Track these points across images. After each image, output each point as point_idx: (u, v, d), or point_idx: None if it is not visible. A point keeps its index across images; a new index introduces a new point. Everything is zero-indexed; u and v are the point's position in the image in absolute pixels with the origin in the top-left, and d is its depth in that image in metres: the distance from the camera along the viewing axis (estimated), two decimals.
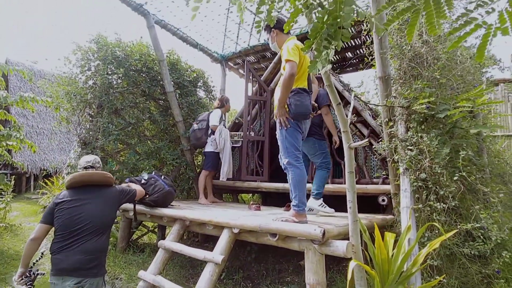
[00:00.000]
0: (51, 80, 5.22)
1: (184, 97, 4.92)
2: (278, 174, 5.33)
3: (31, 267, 2.13)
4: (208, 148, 4.34)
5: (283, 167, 2.85)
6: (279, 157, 2.91)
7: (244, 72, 6.52)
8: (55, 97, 4.28)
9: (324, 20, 1.47)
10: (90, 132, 4.25)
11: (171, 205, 3.51)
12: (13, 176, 7.43)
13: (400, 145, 2.71)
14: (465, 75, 3.11)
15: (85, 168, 2.32)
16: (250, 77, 4.99)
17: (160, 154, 4.53)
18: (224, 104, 4.55)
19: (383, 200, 3.26)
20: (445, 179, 2.39)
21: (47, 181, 7.90)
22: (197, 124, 4.35)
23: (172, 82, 4.74)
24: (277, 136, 2.58)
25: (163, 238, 4.19)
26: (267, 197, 6.04)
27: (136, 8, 4.29)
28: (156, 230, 4.51)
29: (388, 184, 3.21)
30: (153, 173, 3.56)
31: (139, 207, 3.24)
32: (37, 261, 2.23)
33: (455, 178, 2.36)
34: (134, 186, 2.72)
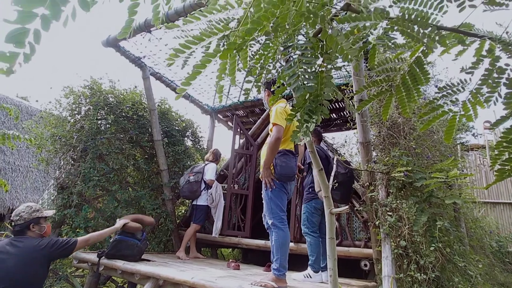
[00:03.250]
0: (37, 119, 5.21)
1: (171, 146, 4.96)
2: (260, 229, 5.22)
3: None
4: (202, 201, 4.26)
5: (266, 226, 2.81)
6: (262, 215, 2.89)
7: (232, 124, 6.73)
8: (39, 138, 4.22)
9: (306, 97, 1.61)
10: (70, 176, 4.12)
11: (144, 259, 3.31)
12: None
13: (380, 209, 2.77)
14: (439, 145, 3.33)
15: (13, 221, 2.14)
16: (238, 130, 5.14)
17: (140, 202, 4.39)
18: (218, 158, 4.60)
19: (365, 265, 3.20)
20: (424, 248, 2.42)
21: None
22: (193, 176, 4.30)
23: (161, 131, 4.80)
24: (262, 196, 2.59)
25: None
26: (248, 253, 5.80)
27: (134, 61, 4.51)
28: (125, 286, 4.18)
29: (370, 248, 3.19)
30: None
31: (110, 261, 3.05)
32: None
33: (432, 248, 2.39)
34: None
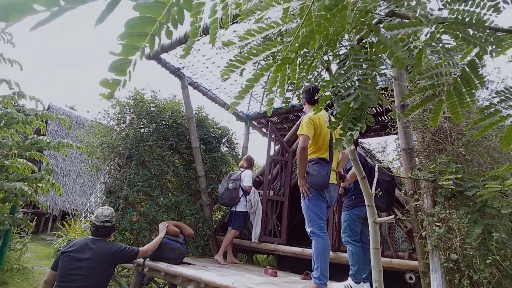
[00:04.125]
0: (88, 128, 5.66)
1: (208, 152, 5.11)
2: (296, 236, 5.17)
3: None
4: (241, 208, 4.36)
5: (308, 234, 2.79)
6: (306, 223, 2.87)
7: (266, 131, 6.77)
8: (90, 145, 4.57)
9: (350, 105, 1.60)
10: (116, 181, 4.41)
11: (185, 262, 3.44)
12: (35, 216, 7.60)
13: (427, 220, 2.63)
14: (491, 151, 3.09)
15: (103, 222, 2.43)
16: (273, 137, 5.17)
17: (179, 207, 4.57)
18: (252, 164, 4.69)
19: (411, 278, 3.04)
20: (478, 262, 2.25)
21: (64, 223, 8.00)
22: (232, 183, 4.40)
23: (199, 138, 4.98)
24: (301, 205, 2.59)
25: None
26: (283, 260, 5.76)
27: (174, 72, 4.74)
28: (166, 287, 4.34)
29: (415, 260, 3.03)
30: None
31: (154, 263, 3.20)
32: None
33: (488, 261, 2.22)
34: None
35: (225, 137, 5.71)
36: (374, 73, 1.30)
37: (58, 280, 2.21)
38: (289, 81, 1.16)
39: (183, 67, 4.76)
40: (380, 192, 2.44)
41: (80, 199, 11.09)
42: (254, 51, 0.90)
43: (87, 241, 2.35)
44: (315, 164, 2.50)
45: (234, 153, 5.82)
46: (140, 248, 2.63)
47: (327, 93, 1.73)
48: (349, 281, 2.80)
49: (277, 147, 5.33)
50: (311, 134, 2.44)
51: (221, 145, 5.61)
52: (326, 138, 2.57)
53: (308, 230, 2.45)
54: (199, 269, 3.15)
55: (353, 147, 1.70)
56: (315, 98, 2.85)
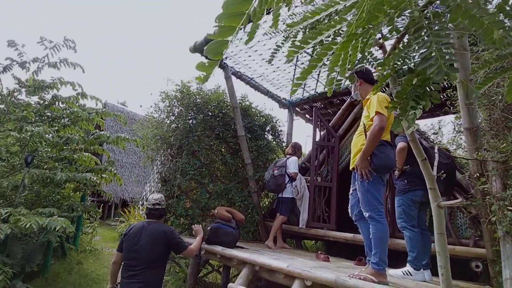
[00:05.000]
0: (140, 121, 6.07)
1: (253, 140, 5.19)
2: (344, 221, 5.08)
3: (117, 285, 2.60)
4: (287, 194, 4.41)
5: (354, 219, 2.73)
6: (349, 207, 2.81)
7: (310, 117, 6.67)
8: (145, 138, 4.91)
9: (413, 82, 1.50)
10: (170, 171, 4.69)
11: (238, 246, 3.58)
12: (101, 204, 8.42)
13: (497, 204, 2.41)
14: None
15: (153, 205, 2.65)
16: (318, 123, 5.08)
17: (229, 194, 4.74)
18: (297, 151, 4.68)
19: (477, 266, 2.84)
20: None
21: (125, 209, 8.76)
22: (277, 170, 4.47)
23: (243, 127, 5.07)
24: (356, 188, 2.52)
25: (227, 279, 4.22)
26: (332, 246, 5.72)
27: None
28: (220, 269, 4.57)
29: (482, 247, 2.82)
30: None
31: (210, 247, 3.38)
32: (117, 285, 2.64)
33: None
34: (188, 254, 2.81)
35: (269, 125, 5.75)
36: (438, 46, 1.20)
37: (124, 259, 2.51)
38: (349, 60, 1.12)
39: (225, 58, 4.84)
40: (444, 175, 2.29)
41: (137, 188, 12.02)
42: (320, 31, 0.88)
43: (143, 224, 2.60)
44: (381, 146, 2.41)
45: (278, 140, 5.85)
46: (189, 247, 2.75)
47: (388, 71, 1.65)
48: (408, 267, 2.70)
49: (322, 133, 5.24)
50: (387, 114, 2.34)
51: (266, 133, 5.66)
52: (391, 121, 2.46)
53: (367, 214, 2.39)
54: (253, 252, 3.26)
55: (416, 126, 1.61)
56: (372, 77, 2.73)
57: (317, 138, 5.03)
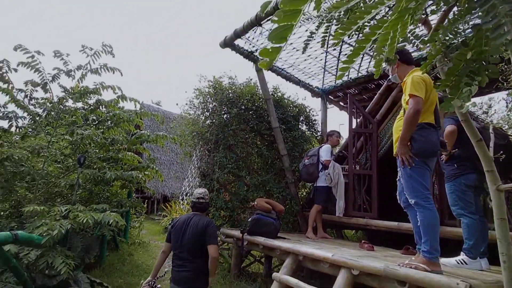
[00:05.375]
0: (175, 119, 6.28)
1: (288, 131, 5.16)
2: (385, 210, 4.91)
3: (158, 277, 2.72)
4: (321, 182, 4.37)
5: (402, 206, 2.62)
6: (397, 194, 2.70)
7: (344, 104, 6.47)
8: (182, 135, 5.09)
9: (467, 57, 1.39)
10: (208, 165, 4.83)
11: (279, 236, 3.61)
12: (145, 200, 8.90)
13: None
14: None
15: (198, 199, 2.77)
16: (354, 110, 4.91)
17: (266, 186, 4.77)
18: (330, 139, 4.59)
19: None
20: None
21: (167, 204, 9.20)
22: (308, 159, 4.46)
23: (277, 118, 5.05)
24: (399, 175, 2.42)
25: (269, 269, 4.29)
26: (374, 235, 5.56)
27: (248, 56, 4.85)
28: (262, 260, 4.66)
29: None
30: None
31: (252, 237, 3.45)
32: (161, 276, 2.81)
33: None
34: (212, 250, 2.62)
35: (303, 115, 5.68)
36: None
37: (172, 249, 2.68)
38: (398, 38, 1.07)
39: (256, 50, 4.83)
40: (504, 155, 2.11)
41: (175, 184, 12.54)
42: (369, 9, 0.85)
43: (188, 216, 2.74)
44: (421, 130, 2.28)
45: (313, 130, 5.76)
46: (216, 253, 2.62)
47: (438, 46, 1.55)
48: (462, 256, 2.55)
49: (358, 120, 5.07)
50: (423, 96, 2.21)
51: (300, 123, 5.60)
52: (434, 101, 2.31)
53: (412, 201, 2.29)
54: (295, 242, 3.27)
55: (470, 106, 1.50)
56: (410, 58, 2.57)
57: (353, 125, 4.88)
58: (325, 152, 4.42)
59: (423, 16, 1.70)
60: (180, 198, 10.18)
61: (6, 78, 4.39)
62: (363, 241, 3.59)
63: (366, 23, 1.15)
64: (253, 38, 4.60)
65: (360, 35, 1.83)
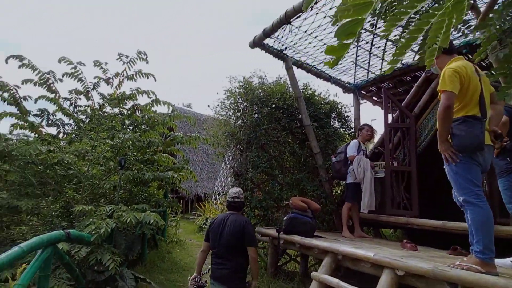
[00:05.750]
0: (206, 121, 6.40)
1: (320, 129, 5.08)
2: (426, 207, 4.66)
3: (203, 273, 2.82)
4: (348, 179, 4.27)
5: (458, 204, 2.47)
6: (453, 191, 2.54)
7: (377, 99, 6.24)
8: (215, 136, 5.19)
9: None
10: (241, 165, 4.88)
11: (316, 235, 3.56)
12: (181, 199, 9.19)
13: None
14: None
15: (233, 198, 2.82)
16: (389, 104, 4.72)
17: (300, 185, 4.73)
18: (358, 133, 4.46)
19: None
20: None
21: (200, 204, 9.43)
22: (335, 157, 4.42)
23: (309, 115, 4.99)
24: (446, 172, 2.29)
25: (306, 268, 4.25)
26: (414, 235, 5.31)
27: (277, 55, 4.84)
28: (297, 258, 4.62)
29: None
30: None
31: (289, 236, 3.43)
32: (205, 272, 2.89)
33: None
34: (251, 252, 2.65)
35: (335, 112, 5.56)
36: None
37: (211, 248, 2.75)
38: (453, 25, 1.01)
39: (285, 48, 4.80)
40: None
41: (208, 184, 12.82)
42: None
43: (225, 215, 2.79)
44: (461, 124, 2.14)
45: (345, 126, 5.62)
46: (254, 259, 2.64)
47: (493, 32, 1.45)
48: None
49: (394, 114, 4.86)
50: (457, 90, 2.06)
51: (332, 120, 5.49)
52: (476, 91, 2.14)
53: (460, 199, 2.15)
54: (333, 241, 3.21)
55: None
56: (451, 47, 2.42)
57: (389, 120, 4.69)
58: (350, 148, 4.31)
59: (471, 1, 1.60)
60: (213, 197, 10.41)
61: (53, 88, 4.75)
62: (405, 240, 3.44)
63: (412, 16, 1.10)
64: (282, 37, 4.58)
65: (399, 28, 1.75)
